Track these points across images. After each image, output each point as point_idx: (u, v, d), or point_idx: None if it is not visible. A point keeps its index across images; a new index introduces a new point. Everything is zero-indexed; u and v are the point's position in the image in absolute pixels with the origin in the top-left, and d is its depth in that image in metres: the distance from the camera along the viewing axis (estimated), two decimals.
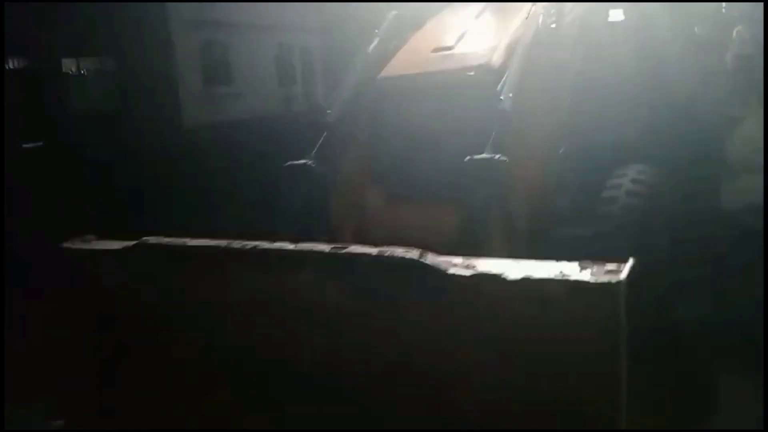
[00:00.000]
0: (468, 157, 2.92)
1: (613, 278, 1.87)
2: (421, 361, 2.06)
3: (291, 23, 21.08)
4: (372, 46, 3.93)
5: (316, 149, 3.54)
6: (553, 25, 3.60)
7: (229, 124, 15.41)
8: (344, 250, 2.22)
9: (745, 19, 11.16)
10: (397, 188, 3.38)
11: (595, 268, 1.96)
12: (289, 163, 3.44)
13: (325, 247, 2.27)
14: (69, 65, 14.87)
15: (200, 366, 2.43)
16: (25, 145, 10.66)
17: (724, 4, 11.55)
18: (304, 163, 3.43)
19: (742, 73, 9.25)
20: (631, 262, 1.95)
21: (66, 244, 2.78)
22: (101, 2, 12.98)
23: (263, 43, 20.33)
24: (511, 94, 3.10)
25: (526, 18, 3.55)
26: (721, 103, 6.42)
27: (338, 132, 3.64)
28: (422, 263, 2.08)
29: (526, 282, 1.96)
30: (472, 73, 3.36)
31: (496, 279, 2.00)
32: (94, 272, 2.65)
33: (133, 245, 2.60)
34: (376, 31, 4.04)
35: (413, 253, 2.10)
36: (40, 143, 11.01)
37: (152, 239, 2.62)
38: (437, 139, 3.33)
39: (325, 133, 3.61)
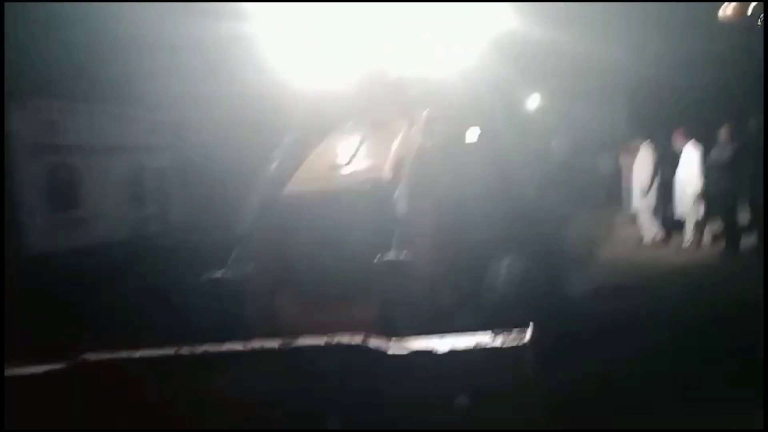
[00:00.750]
0: (377, 258, 3.39)
1: (521, 340, 2.38)
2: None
3: (144, 144, 20.90)
4: (273, 166, 4.36)
5: (229, 262, 3.81)
6: (428, 144, 4.30)
7: (78, 250, 14.67)
8: (294, 344, 2.53)
9: (560, 132, 13.20)
10: (312, 291, 3.72)
11: (504, 335, 2.47)
12: (206, 276, 3.67)
13: (274, 343, 2.56)
14: None
15: None
16: None
17: (543, 115, 13.61)
18: (220, 276, 3.68)
19: (565, 178, 10.87)
20: (531, 326, 2.48)
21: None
22: None
23: (114, 165, 19.90)
24: (405, 202, 3.67)
25: (407, 137, 4.23)
26: (556, 206, 7.57)
27: (249, 245, 3.95)
28: (366, 346, 2.45)
29: (454, 353, 2.41)
30: (368, 187, 3.91)
31: (428, 354, 2.43)
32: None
33: (77, 363, 2.66)
34: (274, 153, 4.50)
35: (357, 338, 2.47)
36: None
37: (93, 355, 2.71)
38: (343, 245, 3.77)
39: (237, 247, 3.91)
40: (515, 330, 2.46)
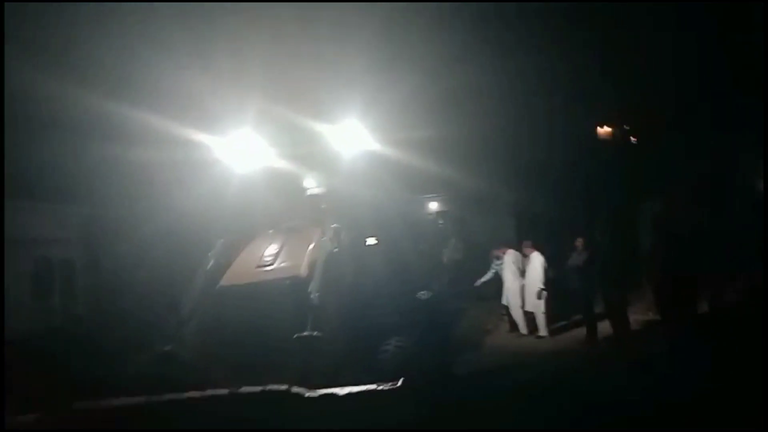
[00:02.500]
0: (296, 335, 4.52)
1: (394, 385, 3.58)
2: None
3: (50, 236, 20.77)
4: (209, 264, 5.45)
5: (175, 340, 4.81)
6: (336, 249, 5.54)
7: None
8: (238, 390, 3.59)
9: (456, 234, 14.89)
10: (245, 360, 4.73)
11: (384, 385, 3.67)
12: (159, 349, 4.64)
13: (224, 391, 3.61)
14: None
15: None
16: None
17: (441, 221, 15.28)
18: (170, 349, 4.66)
19: (455, 273, 12.35)
20: (402, 379, 3.69)
21: None
22: None
23: (19, 257, 19.66)
24: (317, 293, 4.86)
25: (319, 243, 5.47)
26: (444, 297, 8.91)
27: (190, 327, 4.97)
28: (290, 391, 3.57)
29: (351, 395, 3.57)
30: (288, 282, 5.08)
31: (332, 395, 3.57)
32: None
33: (68, 411, 3.56)
34: (210, 254, 5.60)
35: (283, 386, 3.59)
36: None
37: (82, 404, 3.62)
38: (269, 326, 4.86)
39: (180, 329, 4.92)
40: (391, 383, 3.67)
